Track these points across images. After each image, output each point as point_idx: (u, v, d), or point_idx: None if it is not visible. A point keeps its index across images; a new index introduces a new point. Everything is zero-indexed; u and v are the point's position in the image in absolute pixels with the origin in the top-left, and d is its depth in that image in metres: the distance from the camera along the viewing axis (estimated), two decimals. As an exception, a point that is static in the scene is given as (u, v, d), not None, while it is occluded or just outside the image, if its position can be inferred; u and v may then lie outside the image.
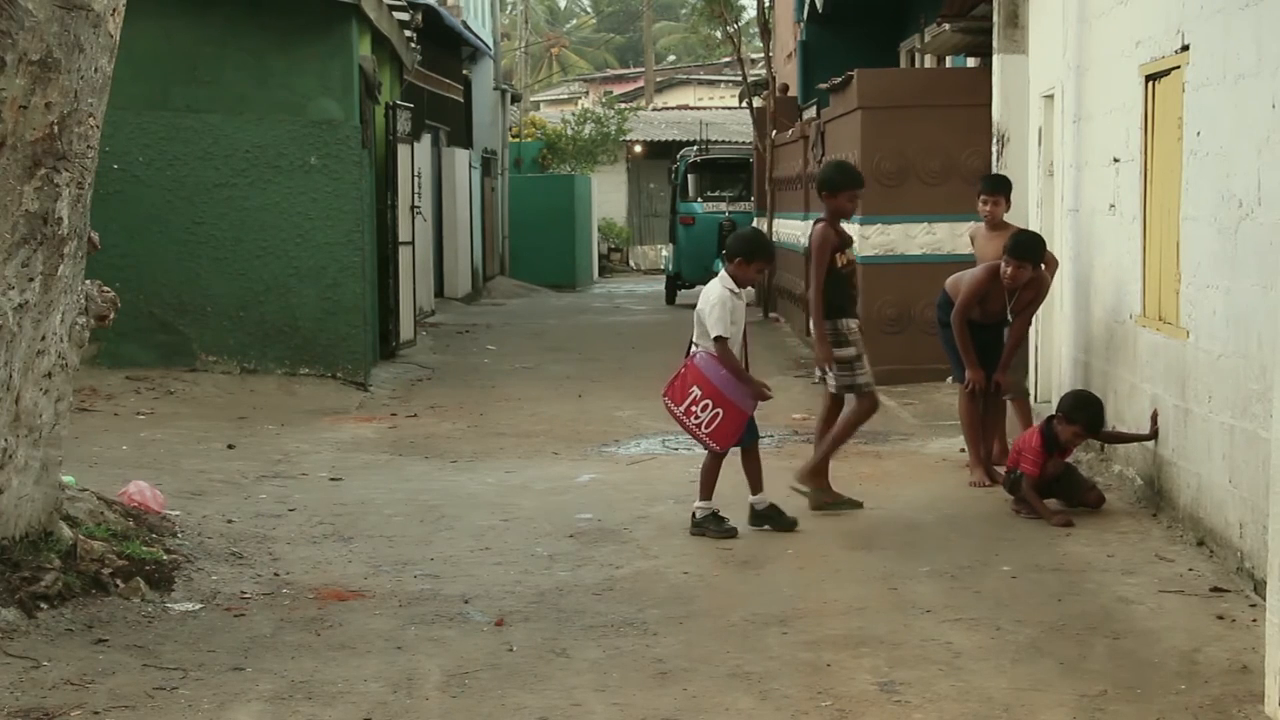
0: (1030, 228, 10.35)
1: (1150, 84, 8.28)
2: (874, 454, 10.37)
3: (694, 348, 8.14)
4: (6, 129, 6.11)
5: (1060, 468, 8.32)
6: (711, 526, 8.01)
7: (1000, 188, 9.68)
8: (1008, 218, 9.71)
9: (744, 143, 29.27)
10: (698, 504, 8.10)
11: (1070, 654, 5.79)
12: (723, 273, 8.11)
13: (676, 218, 27.64)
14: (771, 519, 8.12)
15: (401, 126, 17.10)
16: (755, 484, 8.20)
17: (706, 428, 8.03)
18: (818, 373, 8.79)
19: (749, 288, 8.31)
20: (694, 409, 8.02)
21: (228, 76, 13.97)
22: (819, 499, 8.50)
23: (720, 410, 7.96)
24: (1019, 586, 6.83)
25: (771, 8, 25.42)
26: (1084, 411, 8.28)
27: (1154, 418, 8.05)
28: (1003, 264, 8.85)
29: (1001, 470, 9.01)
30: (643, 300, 28.73)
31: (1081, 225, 9.68)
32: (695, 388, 8.00)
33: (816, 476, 8.59)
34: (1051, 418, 8.36)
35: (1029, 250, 8.80)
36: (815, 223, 8.72)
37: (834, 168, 8.95)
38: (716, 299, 8.00)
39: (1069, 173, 9.92)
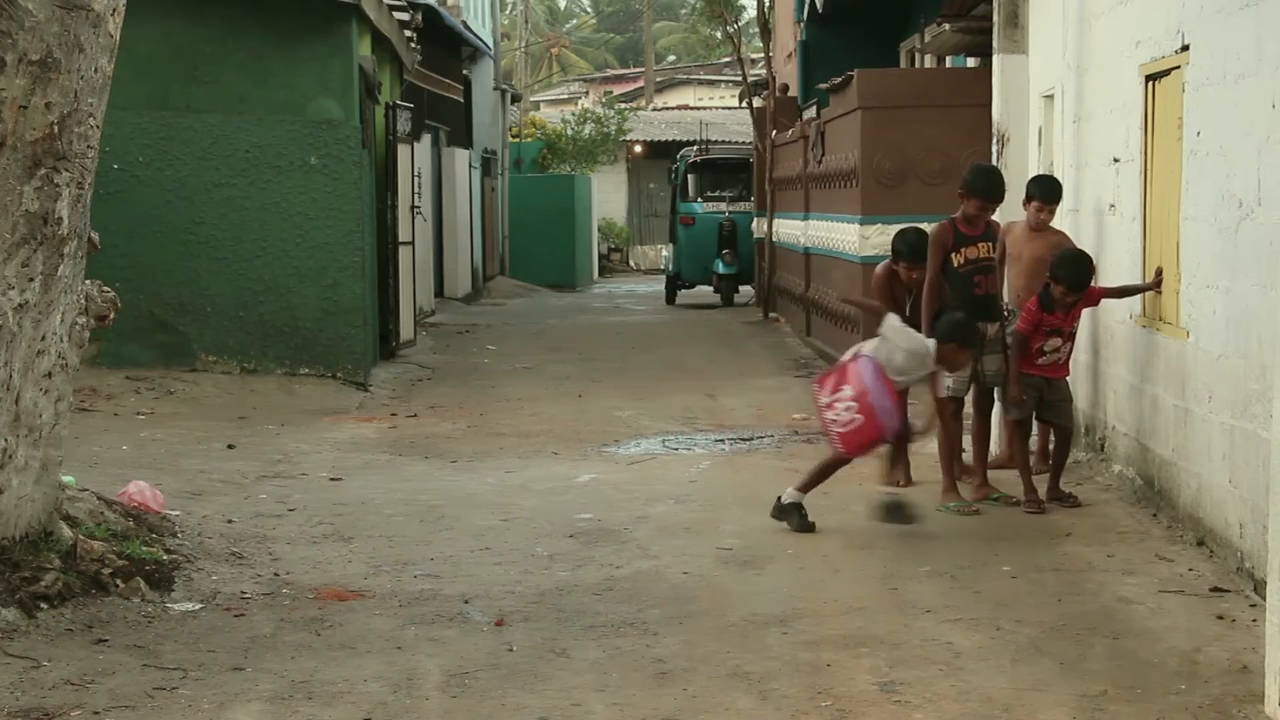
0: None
1: (1150, 84, 8.28)
2: (874, 454, 10.35)
3: (862, 349, 8.11)
4: (6, 129, 6.11)
5: (1057, 351, 8.52)
6: (794, 517, 7.98)
7: (1059, 198, 9.37)
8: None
9: (744, 143, 29.26)
10: (791, 490, 8.04)
11: (1070, 654, 5.79)
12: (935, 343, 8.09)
13: (676, 218, 27.65)
14: (895, 513, 8.04)
15: (401, 126, 17.10)
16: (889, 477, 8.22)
17: (840, 428, 7.93)
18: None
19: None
20: (837, 405, 7.90)
21: (228, 76, 13.97)
22: (960, 509, 8.48)
23: (860, 418, 7.84)
24: (1019, 586, 6.83)
25: (771, 8, 25.42)
26: (1062, 267, 8.43)
27: (1158, 272, 8.07)
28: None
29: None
30: (643, 300, 28.72)
31: (1081, 225, 9.67)
32: (848, 387, 7.90)
33: (949, 491, 8.64)
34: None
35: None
36: None
37: (970, 170, 8.87)
38: (916, 345, 8.02)
39: (1069, 173, 9.92)
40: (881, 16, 20.69)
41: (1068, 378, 8.76)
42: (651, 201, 42.12)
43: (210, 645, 5.97)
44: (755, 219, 24.65)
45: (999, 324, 8.72)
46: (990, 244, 8.68)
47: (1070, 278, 8.39)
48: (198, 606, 6.51)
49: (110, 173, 12.63)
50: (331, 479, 9.68)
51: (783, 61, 27.29)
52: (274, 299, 13.75)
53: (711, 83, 56.10)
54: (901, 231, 9.26)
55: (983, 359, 8.66)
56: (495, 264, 31.32)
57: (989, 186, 8.69)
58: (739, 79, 30.50)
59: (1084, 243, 9.43)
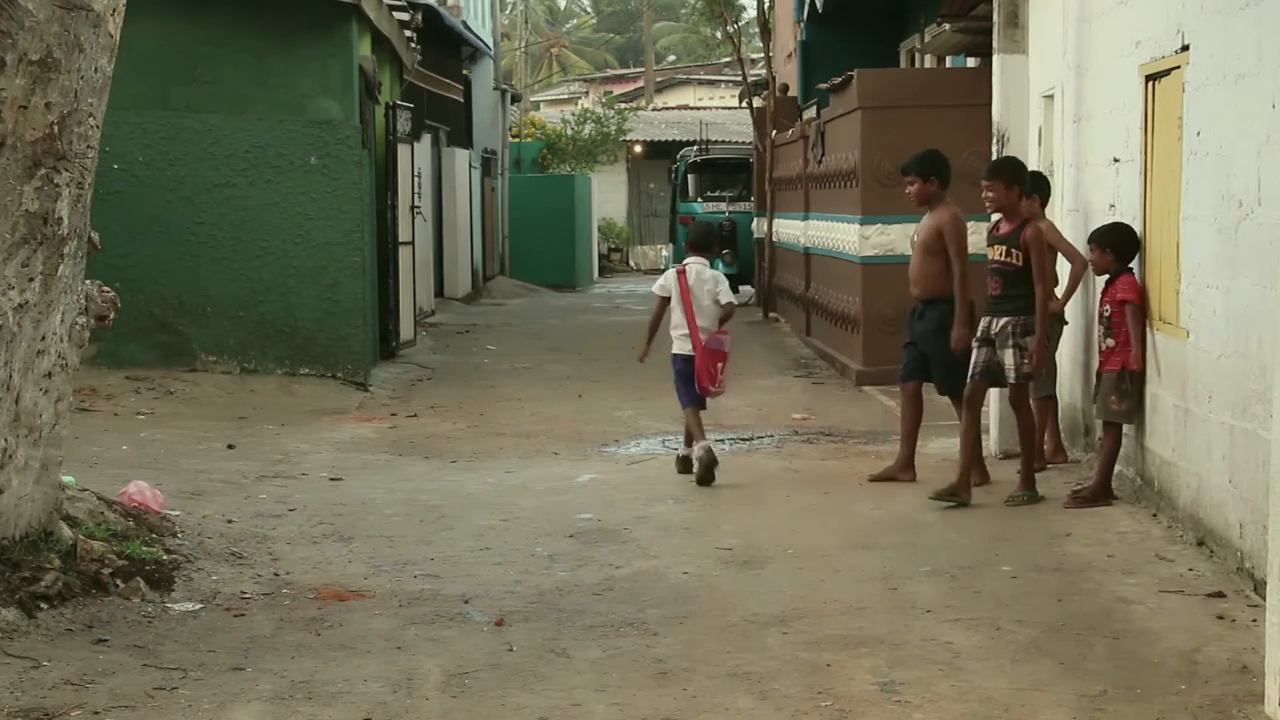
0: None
1: (1150, 84, 8.28)
2: (874, 454, 10.37)
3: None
4: (6, 129, 6.11)
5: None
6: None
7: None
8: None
9: (744, 143, 29.28)
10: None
11: (1070, 654, 5.79)
12: None
13: (676, 218, 27.67)
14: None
15: (401, 126, 17.10)
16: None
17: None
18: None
19: None
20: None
21: (228, 76, 13.97)
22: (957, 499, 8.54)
23: None
24: (1019, 586, 6.83)
25: (771, 8, 25.43)
26: (1103, 231, 8.49)
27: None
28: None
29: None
30: (643, 300, 28.65)
31: (1082, 225, 9.67)
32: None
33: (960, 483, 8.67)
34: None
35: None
36: None
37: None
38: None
39: (1069, 173, 9.92)
40: (881, 16, 20.69)
41: (1115, 372, 8.54)
42: (651, 201, 42.14)
43: (210, 645, 5.97)
44: (755, 219, 24.65)
45: (1008, 320, 8.67)
46: (1007, 248, 8.67)
47: (1101, 238, 8.44)
48: (198, 606, 6.51)
49: (110, 173, 12.62)
50: (331, 479, 9.68)
51: (783, 61, 27.29)
52: (274, 299, 13.75)
53: (711, 83, 56.10)
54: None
55: (999, 351, 8.66)
56: (495, 264, 31.31)
57: (987, 166, 9.02)
58: (739, 79, 30.50)
59: (1084, 242, 9.43)
